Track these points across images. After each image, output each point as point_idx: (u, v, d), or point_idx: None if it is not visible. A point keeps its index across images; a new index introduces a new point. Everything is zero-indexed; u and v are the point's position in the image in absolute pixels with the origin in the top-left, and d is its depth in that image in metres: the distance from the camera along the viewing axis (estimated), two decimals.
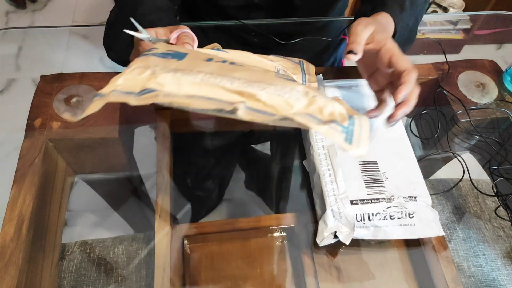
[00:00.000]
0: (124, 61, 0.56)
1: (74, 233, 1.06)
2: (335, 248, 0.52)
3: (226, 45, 0.51)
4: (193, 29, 0.51)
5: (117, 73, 0.62)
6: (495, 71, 0.70)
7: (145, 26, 0.45)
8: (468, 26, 1.47)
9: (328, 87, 0.61)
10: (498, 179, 0.59)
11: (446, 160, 0.71)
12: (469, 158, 0.64)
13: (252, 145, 0.80)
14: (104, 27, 0.59)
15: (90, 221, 1.08)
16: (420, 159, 0.56)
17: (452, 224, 0.64)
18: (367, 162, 0.53)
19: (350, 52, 0.45)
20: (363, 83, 0.62)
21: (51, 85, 0.60)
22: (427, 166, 0.67)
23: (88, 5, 1.73)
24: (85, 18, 1.69)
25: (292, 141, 0.60)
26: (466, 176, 0.60)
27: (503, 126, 0.65)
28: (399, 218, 0.49)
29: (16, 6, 1.69)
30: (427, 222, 0.49)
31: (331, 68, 0.79)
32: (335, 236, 0.49)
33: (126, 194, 0.76)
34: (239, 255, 0.53)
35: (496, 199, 0.61)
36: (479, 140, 0.66)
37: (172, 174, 0.57)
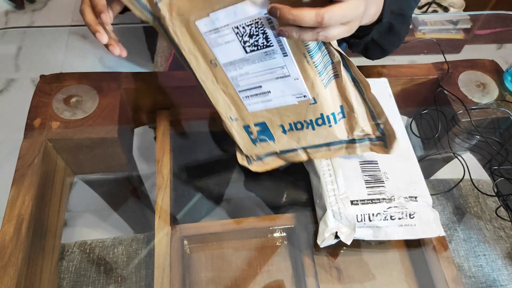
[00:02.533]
0: None
1: (73, 233, 1.05)
2: (335, 248, 0.52)
3: None
4: None
5: (117, 73, 0.62)
6: (495, 71, 0.70)
7: None
8: (468, 26, 1.47)
9: None
10: (499, 179, 0.59)
11: (447, 160, 0.71)
12: (469, 158, 0.64)
13: None
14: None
15: (89, 222, 1.08)
16: (420, 159, 0.56)
17: (453, 225, 0.64)
18: (368, 162, 0.53)
19: None
20: None
21: (50, 85, 0.60)
22: (428, 166, 0.67)
23: None
24: None
25: None
26: (467, 176, 0.60)
27: (504, 126, 0.65)
28: (399, 219, 0.49)
29: (14, 6, 1.69)
30: (427, 222, 0.49)
31: None
32: (336, 237, 0.49)
33: (126, 194, 0.76)
34: (239, 256, 0.53)
35: (497, 199, 0.61)
36: (480, 140, 0.66)
37: (172, 174, 0.57)
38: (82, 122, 0.57)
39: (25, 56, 1.44)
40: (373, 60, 0.61)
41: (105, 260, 0.58)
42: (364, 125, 0.47)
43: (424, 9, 1.54)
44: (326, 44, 0.42)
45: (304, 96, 0.45)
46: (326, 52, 0.43)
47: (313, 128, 0.48)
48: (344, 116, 0.47)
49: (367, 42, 0.53)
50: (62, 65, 1.47)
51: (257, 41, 0.42)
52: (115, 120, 0.57)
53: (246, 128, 0.52)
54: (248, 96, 0.48)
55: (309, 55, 0.42)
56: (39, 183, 0.51)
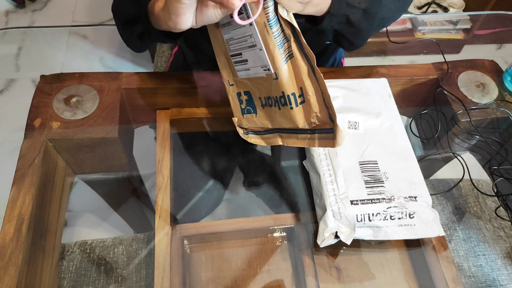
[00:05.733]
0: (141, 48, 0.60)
1: (74, 233, 1.06)
2: (335, 248, 0.52)
3: None
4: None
5: (117, 73, 0.62)
6: (495, 71, 0.70)
7: None
8: (468, 26, 1.47)
9: (328, 87, 0.61)
10: (498, 179, 0.59)
11: (446, 160, 0.71)
12: (469, 158, 0.64)
13: (252, 145, 0.80)
14: (104, 27, 0.59)
15: (90, 221, 1.08)
16: (420, 159, 0.56)
17: (452, 224, 0.64)
18: (367, 162, 0.53)
19: None
20: (363, 83, 0.62)
21: (50, 85, 0.60)
22: (428, 166, 0.67)
23: (88, 5, 1.73)
24: (85, 18, 1.69)
25: None
26: (466, 176, 0.60)
27: (503, 126, 0.65)
28: (399, 218, 0.49)
29: (15, 5, 1.69)
30: (427, 222, 0.49)
31: (331, 68, 0.79)
32: (336, 236, 0.49)
33: (126, 194, 0.76)
34: (239, 255, 0.53)
35: (496, 199, 0.61)
36: (479, 140, 0.66)
37: (172, 174, 0.57)
38: (83, 122, 0.57)
39: (25, 56, 1.44)
40: (347, 51, 0.62)
41: (106, 260, 0.58)
42: (317, 110, 0.46)
43: (424, 9, 1.54)
44: (281, 21, 0.43)
45: (268, 70, 0.46)
46: (281, 30, 0.44)
47: (279, 108, 0.49)
48: (304, 101, 0.47)
49: (335, 32, 0.55)
50: (62, 65, 1.47)
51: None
52: (115, 120, 0.57)
53: (238, 95, 0.53)
54: (236, 62, 0.49)
55: (269, 24, 0.43)
56: (39, 183, 0.51)
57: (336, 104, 0.58)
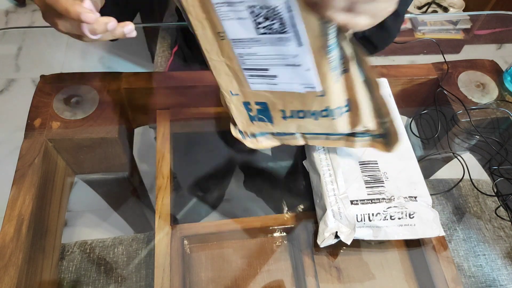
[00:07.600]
0: None
1: (74, 233, 1.06)
2: (335, 248, 0.52)
3: None
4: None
5: (117, 73, 0.62)
6: (495, 71, 0.70)
7: None
8: (468, 26, 1.47)
9: None
10: (498, 179, 0.59)
11: (446, 160, 0.71)
12: (469, 158, 0.64)
13: None
14: None
15: (90, 221, 1.08)
16: (420, 159, 0.56)
17: (452, 224, 0.64)
18: (367, 162, 0.53)
19: None
20: None
21: (50, 85, 0.60)
22: (428, 166, 0.67)
23: None
24: None
25: None
26: (466, 176, 0.60)
27: (503, 126, 0.65)
28: (399, 218, 0.49)
29: (16, 4, 1.69)
30: (427, 222, 0.49)
31: None
32: (336, 236, 0.49)
33: (126, 194, 0.76)
34: (239, 255, 0.53)
35: (496, 199, 0.61)
36: (480, 140, 0.66)
37: (172, 174, 0.57)
38: (83, 122, 0.57)
39: (25, 56, 1.44)
40: (370, 55, 0.61)
41: (105, 260, 0.58)
42: (367, 122, 0.46)
43: (424, 9, 1.54)
44: (341, 39, 0.40)
45: (312, 88, 0.44)
46: (340, 52, 0.42)
47: (316, 119, 0.47)
48: (349, 110, 0.46)
49: (358, 38, 0.53)
50: (62, 65, 1.47)
51: (272, 25, 0.40)
52: (115, 120, 0.57)
53: (246, 104, 0.50)
54: (252, 76, 0.47)
55: (328, 49, 0.40)
56: (39, 183, 0.51)
57: None
